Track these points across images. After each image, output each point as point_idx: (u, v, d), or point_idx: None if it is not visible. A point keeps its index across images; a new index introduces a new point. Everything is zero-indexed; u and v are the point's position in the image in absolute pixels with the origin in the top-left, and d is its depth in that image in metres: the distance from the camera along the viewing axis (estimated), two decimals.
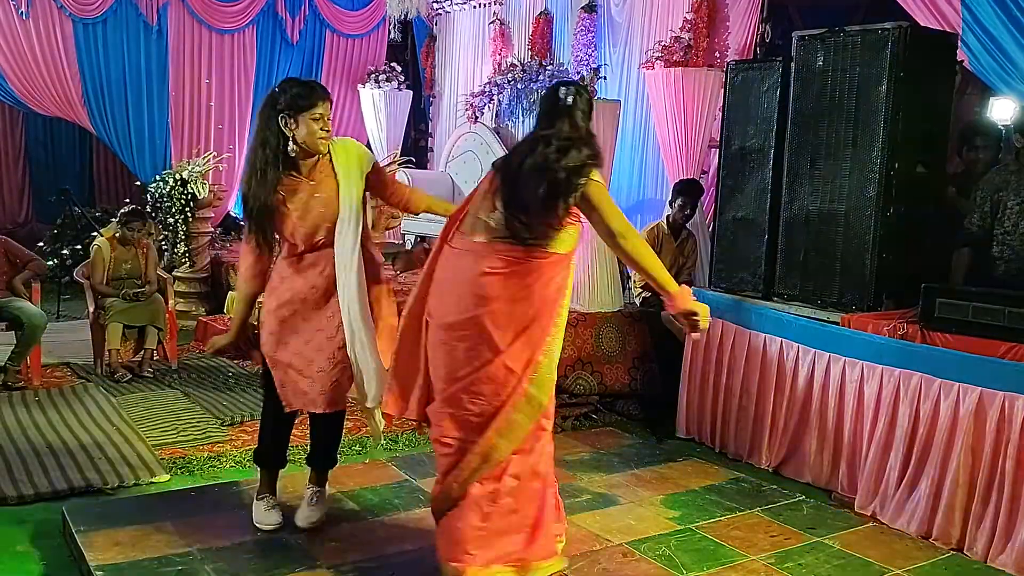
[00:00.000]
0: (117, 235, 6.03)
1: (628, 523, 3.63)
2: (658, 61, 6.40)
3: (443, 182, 9.17)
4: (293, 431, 3.60)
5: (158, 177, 7.99)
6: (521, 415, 2.85)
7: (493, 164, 3.04)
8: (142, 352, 5.97)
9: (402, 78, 9.59)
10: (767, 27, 6.38)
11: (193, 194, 7.69)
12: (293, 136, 3.17)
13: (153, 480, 4.04)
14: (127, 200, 8.35)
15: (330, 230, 3.25)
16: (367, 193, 3.38)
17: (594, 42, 7.83)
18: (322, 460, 3.58)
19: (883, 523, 3.75)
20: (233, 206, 9.42)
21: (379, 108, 9.42)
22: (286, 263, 3.35)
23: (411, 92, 9.76)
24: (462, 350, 2.84)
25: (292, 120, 3.16)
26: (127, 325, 5.86)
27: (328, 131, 3.23)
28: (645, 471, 4.29)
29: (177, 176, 7.76)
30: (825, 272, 4.37)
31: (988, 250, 4.13)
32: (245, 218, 3.34)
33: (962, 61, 4.67)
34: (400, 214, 5.63)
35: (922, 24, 4.66)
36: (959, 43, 4.52)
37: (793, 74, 4.49)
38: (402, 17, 9.88)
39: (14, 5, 7.85)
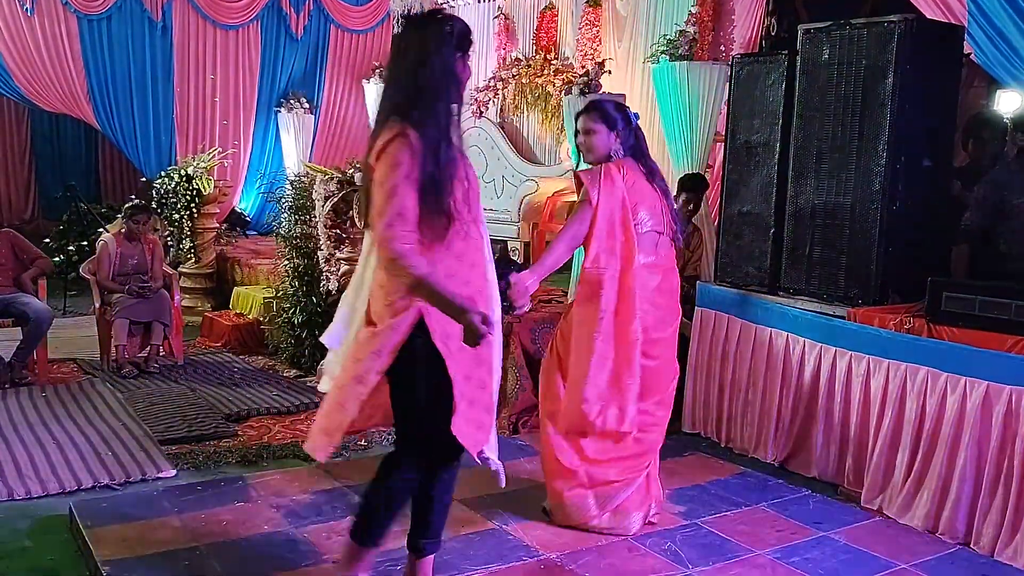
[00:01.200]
0: (123, 230, 6.05)
1: None
2: (663, 55, 6.38)
3: None
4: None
5: (163, 173, 8.01)
6: None
7: (656, 184, 3.51)
8: (148, 348, 5.98)
9: None
10: (772, 20, 6.36)
11: (198, 190, 7.70)
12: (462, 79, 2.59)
13: (160, 475, 4.05)
14: (132, 196, 8.37)
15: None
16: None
17: (599, 36, 7.82)
18: (440, 529, 2.85)
19: (889, 517, 3.74)
20: (238, 201, 9.43)
21: None
22: (449, 251, 2.54)
23: None
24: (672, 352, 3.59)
25: (462, 60, 2.57)
26: (133, 321, 5.88)
27: None
28: None
29: (182, 172, 7.78)
30: (831, 266, 4.36)
31: (988, 247, 4.11)
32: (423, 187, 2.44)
33: (969, 54, 4.65)
34: None
35: (928, 17, 4.64)
36: (965, 35, 4.50)
37: (798, 67, 4.47)
38: (406, 12, 9.88)
39: (19, 2, 7.87)
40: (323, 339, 2.78)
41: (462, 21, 2.61)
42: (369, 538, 2.73)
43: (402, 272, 2.42)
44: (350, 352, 2.63)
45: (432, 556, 2.83)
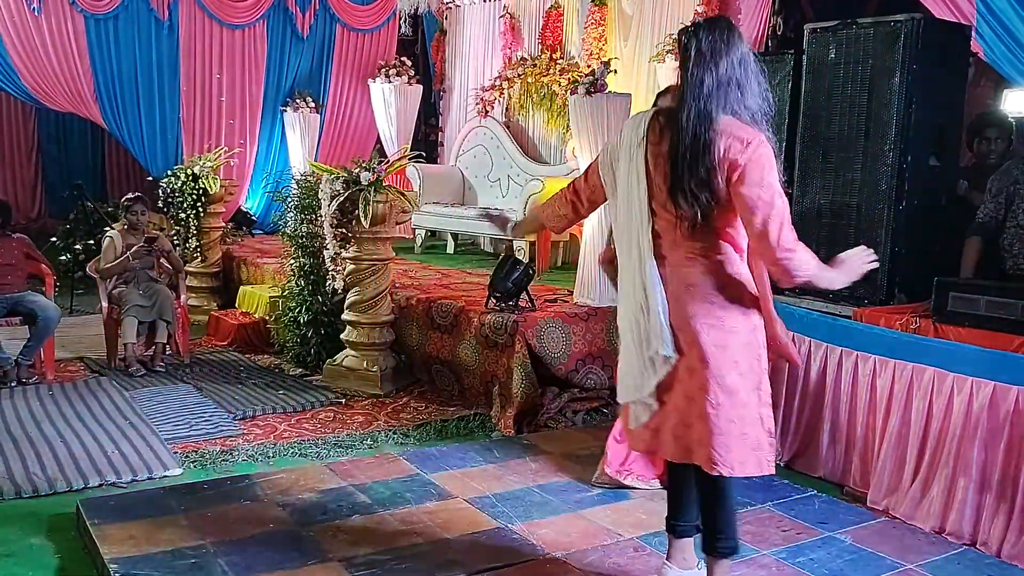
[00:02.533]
0: (126, 226, 6.09)
1: (639, 517, 3.63)
2: (669, 54, 6.38)
3: (453, 176, 9.18)
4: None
5: (169, 172, 8.02)
6: None
7: None
8: (153, 347, 6.00)
9: (412, 72, 9.58)
10: (778, 19, 6.35)
11: (204, 189, 7.71)
12: None
13: (166, 474, 4.06)
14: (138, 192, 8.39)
15: None
16: None
17: (604, 35, 7.82)
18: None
19: (896, 518, 3.73)
20: (244, 200, 9.45)
21: (389, 103, 9.42)
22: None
23: (421, 86, 9.75)
24: None
25: None
26: (139, 320, 5.89)
27: None
28: None
29: (188, 171, 7.79)
30: None
31: (998, 241, 4.10)
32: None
33: (976, 53, 4.65)
34: (410, 208, 5.65)
35: (937, 16, 4.63)
36: (973, 34, 4.50)
37: (804, 67, 4.47)
38: (412, 11, 9.88)
39: (26, 1, 7.89)
40: (664, 351, 2.62)
41: None
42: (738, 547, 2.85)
43: (797, 277, 2.57)
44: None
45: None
